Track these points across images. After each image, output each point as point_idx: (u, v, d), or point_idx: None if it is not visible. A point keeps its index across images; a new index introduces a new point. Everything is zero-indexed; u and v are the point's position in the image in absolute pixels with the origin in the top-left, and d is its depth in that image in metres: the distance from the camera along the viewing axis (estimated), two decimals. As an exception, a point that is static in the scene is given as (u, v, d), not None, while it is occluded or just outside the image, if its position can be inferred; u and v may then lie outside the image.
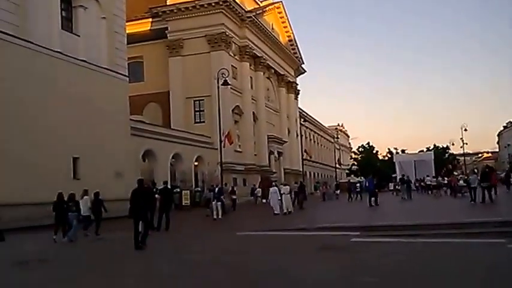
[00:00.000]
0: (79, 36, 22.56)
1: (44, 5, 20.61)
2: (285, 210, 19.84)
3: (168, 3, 37.95)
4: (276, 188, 20.61)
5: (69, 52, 21.65)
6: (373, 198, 22.39)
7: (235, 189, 27.02)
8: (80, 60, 22.37)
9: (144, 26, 38.71)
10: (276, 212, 19.53)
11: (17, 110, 18.68)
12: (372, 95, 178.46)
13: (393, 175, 54.65)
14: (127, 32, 27.16)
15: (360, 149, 70.69)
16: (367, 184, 24.76)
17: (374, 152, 70.79)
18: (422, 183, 37.31)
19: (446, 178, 38.54)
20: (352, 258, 7.93)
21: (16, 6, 19.17)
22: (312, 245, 9.51)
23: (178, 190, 27.91)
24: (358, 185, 33.65)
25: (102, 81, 23.63)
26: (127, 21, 27.41)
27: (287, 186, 21.63)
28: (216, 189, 20.47)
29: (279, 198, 20.01)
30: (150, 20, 38.83)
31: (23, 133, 18.82)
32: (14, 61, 18.88)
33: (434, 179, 35.23)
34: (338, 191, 38.51)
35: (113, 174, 22.81)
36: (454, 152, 67.80)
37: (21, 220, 17.50)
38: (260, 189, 32.50)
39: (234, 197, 25.56)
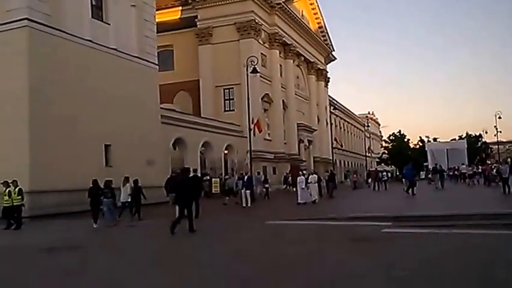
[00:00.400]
0: (109, 24, 22.78)
1: (74, -7, 20.87)
2: (312, 199, 19.46)
3: (197, -9, 37.90)
4: (302, 177, 20.20)
5: (99, 40, 21.89)
6: (410, 187, 21.94)
7: (268, 177, 27.25)
8: (110, 49, 22.63)
9: (173, 14, 38.79)
10: (300, 201, 18.95)
11: (50, 99, 19.01)
12: (403, 83, 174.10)
13: (425, 163, 53.40)
14: (157, 20, 27.26)
15: (391, 137, 69.17)
16: (404, 172, 24.33)
17: (405, 140, 69.13)
18: (456, 172, 36.24)
19: (480, 167, 37.32)
20: (383, 249, 7.70)
21: (47, -5, 19.45)
22: (342, 236, 9.32)
23: (208, 178, 28.11)
24: (384, 173, 32.95)
25: (132, 69, 23.86)
26: (157, 10, 27.53)
27: (314, 175, 21.26)
28: (246, 177, 20.47)
29: (303, 187, 19.56)
30: (180, 8, 38.88)
31: (56, 121, 19.21)
32: (46, 50, 19.13)
33: (470, 168, 34.13)
34: (370, 180, 37.89)
35: (144, 162, 23.11)
36: (487, 141, 65.53)
37: (54, 206, 17.94)
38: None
39: (267, 185, 25.81)
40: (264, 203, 22.50)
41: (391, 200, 20.59)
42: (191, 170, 12.74)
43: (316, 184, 20.62)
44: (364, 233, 9.53)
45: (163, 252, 8.63)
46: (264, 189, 25.30)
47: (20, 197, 14.24)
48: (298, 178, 20.40)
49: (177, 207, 11.13)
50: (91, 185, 14.21)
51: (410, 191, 21.79)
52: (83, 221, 15.16)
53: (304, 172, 24.39)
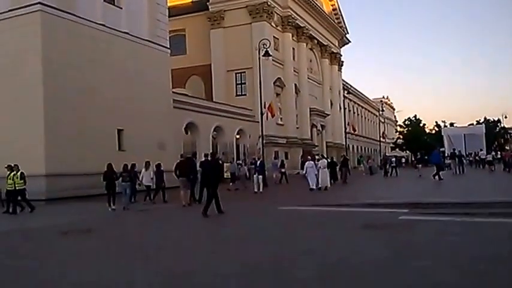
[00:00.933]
0: (121, 8, 22.61)
1: (86, -23, 20.67)
2: (321, 186, 18.68)
3: (209, -26, 37.36)
4: (312, 162, 19.33)
5: (111, 24, 21.77)
6: (440, 172, 21.61)
7: (284, 162, 27.08)
8: (122, 33, 22.48)
9: (185, -3, 38.41)
10: (311, 187, 18.45)
11: (64, 83, 19.06)
12: (418, 66, 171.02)
13: (441, 149, 52.60)
14: (169, 4, 26.98)
15: (406, 122, 68.23)
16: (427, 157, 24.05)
17: (421, 125, 68.16)
18: (477, 158, 35.60)
19: (499, 152, 36.61)
20: (400, 238, 7.41)
21: (59, -21, 19.31)
22: (356, 223, 9.05)
23: (220, 163, 27.99)
24: (393, 159, 32.43)
25: (144, 53, 23.71)
26: (169, -7, 27.18)
27: (324, 160, 20.27)
28: (258, 162, 20.28)
29: (316, 173, 18.80)
30: (192, -9, 38.47)
31: (70, 106, 19.25)
32: (59, 35, 19.13)
33: (489, 155, 33.45)
34: (388, 166, 37.45)
35: (156, 146, 23.10)
36: (506, 126, 64.24)
37: (69, 190, 18.15)
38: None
39: (283, 170, 25.73)
40: (277, 188, 22.33)
41: (407, 186, 20.22)
42: (208, 154, 12.83)
43: (326, 169, 19.71)
44: (380, 220, 9.25)
45: (168, 239, 8.50)
46: (280, 174, 25.25)
47: (22, 181, 14.44)
48: (307, 163, 19.53)
49: (205, 190, 11.69)
50: (106, 169, 14.48)
51: (437, 176, 21.44)
52: (97, 204, 15.37)
53: (317, 157, 24.05)
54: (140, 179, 16.32)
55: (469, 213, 9.09)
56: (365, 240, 7.30)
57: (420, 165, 27.95)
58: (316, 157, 24.00)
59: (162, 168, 16.19)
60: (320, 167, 19.10)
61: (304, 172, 19.35)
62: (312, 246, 6.93)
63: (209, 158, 12.37)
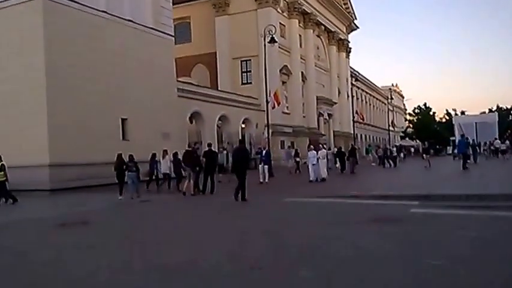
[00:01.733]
0: (124, -5, 22.11)
1: (89, -37, 20.20)
2: (319, 177, 17.83)
3: (213, -41, 36.63)
4: (314, 152, 18.54)
5: (114, 12, 21.39)
6: (468, 161, 21.27)
7: (299, 151, 26.62)
8: (125, 20, 22.05)
9: (190, -16, 37.73)
10: (311, 178, 17.72)
11: (66, 72, 18.77)
12: (428, 53, 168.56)
13: (451, 138, 51.76)
14: (173, -10, 26.44)
15: (416, 111, 67.24)
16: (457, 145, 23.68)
17: (431, 113, 67.16)
18: (492, 147, 34.89)
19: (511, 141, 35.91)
20: (412, 233, 6.93)
21: (61, -34, 18.88)
22: (364, 216, 8.57)
23: (225, 152, 27.61)
24: (394, 149, 31.70)
25: (148, 41, 23.29)
26: (173, -21, 26.61)
27: (323, 150, 19.30)
28: (264, 152, 19.81)
29: (314, 163, 17.96)
30: (197, -23, 37.78)
31: (73, 95, 18.97)
32: (61, 22, 18.81)
33: (504, 144, 32.72)
34: (401, 154, 37.09)
35: (161, 135, 22.78)
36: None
37: (74, 180, 17.97)
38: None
39: (298, 159, 25.31)
40: (284, 178, 21.88)
41: (417, 177, 19.66)
42: (211, 144, 12.71)
43: (325, 160, 18.81)
44: (390, 213, 8.78)
45: (168, 232, 8.13)
46: (295, 163, 24.87)
47: (2, 173, 14.23)
48: (308, 153, 18.78)
49: (235, 176, 12.06)
50: (116, 159, 14.88)
51: (463, 164, 21.00)
52: (101, 194, 15.37)
53: (324, 146, 23.49)
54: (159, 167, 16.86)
55: (485, 206, 8.58)
56: (374, 236, 6.84)
57: (428, 156, 27.25)
58: (324, 146, 23.45)
59: (179, 157, 16.32)
60: (319, 157, 18.21)
61: (292, 163, 18.71)
62: (316, 242, 6.48)
63: (233, 147, 12.73)
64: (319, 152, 18.67)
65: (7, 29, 18.93)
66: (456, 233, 6.71)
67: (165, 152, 16.79)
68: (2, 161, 14.43)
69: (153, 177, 16.99)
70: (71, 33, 19.12)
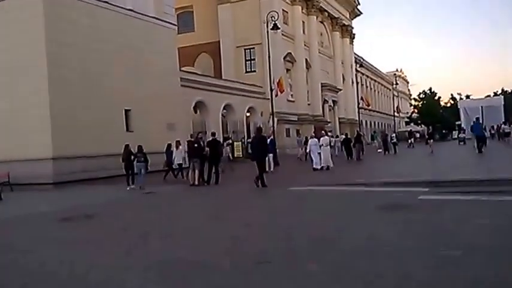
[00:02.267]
0: (125, -16, 21.82)
1: (88, -48, 19.89)
2: (324, 165, 17.43)
3: None
4: (315, 139, 18.13)
5: (115, 1, 21.09)
6: (480, 144, 20.96)
7: (309, 139, 26.38)
8: (126, 10, 21.78)
9: (191, -29, 37.26)
10: (315, 166, 17.37)
11: (68, 64, 18.59)
12: (432, 37, 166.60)
13: (457, 122, 51.33)
14: (175, -20, 26.05)
15: (421, 96, 66.63)
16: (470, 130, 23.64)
17: (436, 98, 66.53)
18: (500, 131, 34.57)
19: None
20: (423, 221, 6.76)
21: (60, -45, 18.61)
22: (372, 204, 8.42)
23: (230, 142, 27.51)
24: (393, 135, 31.34)
25: (150, 31, 23.04)
26: (174, -32, 26.23)
27: (326, 138, 18.72)
28: (268, 140, 19.59)
29: (319, 151, 17.58)
30: (198, -35, 37.28)
31: (75, 87, 18.80)
32: (62, 13, 18.58)
33: (509, 127, 32.33)
34: (411, 140, 36.83)
35: (165, 126, 22.67)
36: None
37: (78, 172, 17.89)
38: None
39: (307, 147, 25.02)
40: (290, 166, 21.75)
41: (424, 163, 19.45)
42: (215, 133, 12.61)
43: (328, 147, 18.31)
44: (399, 201, 8.61)
45: (167, 225, 8.04)
46: (305, 152, 24.71)
47: None
48: (310, 141, 18.26)
49: (255, 163, 12.40)
50: (123, 150, 15.24)
51: (478, 148, 20.88)
52: (106, 187, 15.34)
53: (330, 134, 23.25)
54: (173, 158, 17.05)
55: (497, 192, 8.37)
56: (382, 225, 6.69)
57: (432, 141, 26.96)
58: (329, 134, 23.15)
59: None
60: (322, 145, 17.78)
61: (308, 150, 18.49)
62: (322, 233, 6.32)
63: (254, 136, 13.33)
64: (322, 139, 18.19)
65: (7, 22, 18.71)
66: (468, 221, 6.52)
67: (178, 143, 16.81)
68: None
69: (174, 167, 17.12)
70: (72, 25, 18.90)
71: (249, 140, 30.34)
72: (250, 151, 14.52)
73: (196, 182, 14.17)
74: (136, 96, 21.66)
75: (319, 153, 17.61)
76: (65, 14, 18.67)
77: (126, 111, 21.56)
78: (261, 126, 31.00)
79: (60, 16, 18.50)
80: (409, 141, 36.21)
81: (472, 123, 27.71)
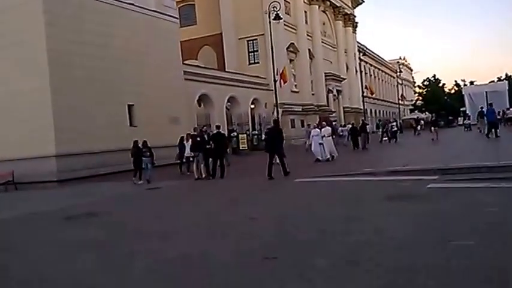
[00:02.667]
0: (124, -22, 21.65)
1: None
2: (328, 156, 16.93)
3: None
4: (317, 130, 17.65)
5: (115, -5, 20.92)
6: (493, 130, 20.89)
7: (311, 129, 26.16)
8: (127, 4, 21.65)
9: (192, -37, 36.97)
10: (318, 157, 16.87)
11: (70, 60, 18.52)
12: (435, 24, 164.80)
13: (462, 109, 50.89)
14: (175, -29, 25.83)
15: (425, 83, 66.12)
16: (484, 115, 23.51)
17: (440, 85, 66.02)
18: (506, 116, 34.32)
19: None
20: (432, 210, 6.64)
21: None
22: (379, 194, 8.30)
23: (235, 134, 27.44)
24: (394, 124, 30.98)
25: (152, 25, 22.90)
26: (174, -40, 26.01)
27: (328, 128, 18.12)
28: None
29: (321, 142, 17.09)
30: (198, -44, 36.97)
31: (78, 83, 18.75)
32: (62, 9, 18.49)
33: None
34: (418, 127, 36.51)
35: (169, 120, 22.59)
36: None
37: (81, 170, 17.85)
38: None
39: None
40: (296, 157, 21.56)
41: (431, 150, 19.25)
42: (219, 126, 12.51)
43: (331, 138, 17.77)
44: (407, 190, 8.49)
45: (172, 222, 7.97)
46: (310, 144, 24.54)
47: None
48: (312, 131, 17.85)
49: (268, 154, 12.73)
50: (132, 146, 15.45)
51: (491, 133, 20.77)
52: (110, 184, 15.20)
53: (334, 123, 23.06)
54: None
55: (506, 178, 8.20)
56: (391, 216, 6.56)
57: (435, 128, 26.74)
58: (334, 123, 22.97)
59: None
60: (324, 135, 17.25)
61: (310, 141, 18.18)
62: (329, 226, 6.20)
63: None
64: (324, 129, 17.68)
65: (8, 18, 18.61)
66: (479, 209, 6.38)
67: (188, 136, 16.65)
68: None
69: (184, 161, 16.99)
70: (72, 21, 18.80)
71: (255, 132, 30.30)
72: (264, 142, 14.71)
73: (203, 175, 14.11)
74: (139, 91, 21.59)
75: (321, 144, 17.14)
76: (66, 10, 18.58)
77: (129, 106, 21.51)
78: (262, 115, 30.83)
79: (60, 12, 18.39)
80: (418, 128, 35.99)
81: (479, 109, 27.38)
